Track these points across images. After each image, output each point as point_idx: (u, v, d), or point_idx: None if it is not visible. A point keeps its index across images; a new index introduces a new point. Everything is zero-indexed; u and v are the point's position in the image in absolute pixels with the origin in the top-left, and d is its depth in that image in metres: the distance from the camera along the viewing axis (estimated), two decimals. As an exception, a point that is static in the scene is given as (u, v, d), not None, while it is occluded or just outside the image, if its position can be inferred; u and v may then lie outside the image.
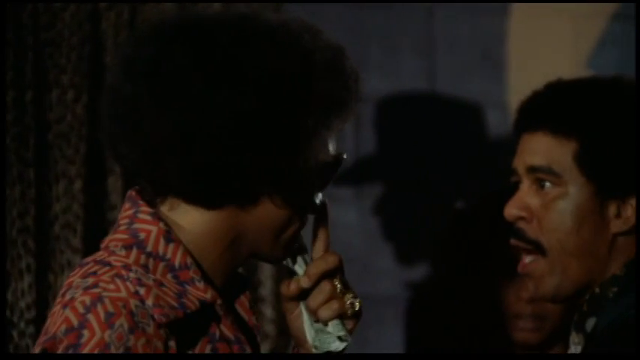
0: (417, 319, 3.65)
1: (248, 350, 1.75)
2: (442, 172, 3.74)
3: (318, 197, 1.79)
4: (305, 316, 1.83)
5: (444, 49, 3.78)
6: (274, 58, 1.69)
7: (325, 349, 1.83)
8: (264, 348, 3.31)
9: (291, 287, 1.81)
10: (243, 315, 1.81)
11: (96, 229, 3.32)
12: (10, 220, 3.20)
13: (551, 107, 1.94)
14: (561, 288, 1.91)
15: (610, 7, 3.99)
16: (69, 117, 3.27)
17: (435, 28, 3.78)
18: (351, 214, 3.63)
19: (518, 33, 3.87)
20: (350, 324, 1.85)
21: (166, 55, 1.69)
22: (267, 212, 1.73)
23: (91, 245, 3.28)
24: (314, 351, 1.83)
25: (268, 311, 3.37)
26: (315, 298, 1.80)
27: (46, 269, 3.26)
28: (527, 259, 1.92)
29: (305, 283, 1.80)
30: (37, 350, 1.64)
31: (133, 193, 1.75)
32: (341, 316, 1.83)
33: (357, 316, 1.85)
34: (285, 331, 3.13)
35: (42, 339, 1.64)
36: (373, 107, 3.68)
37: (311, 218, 1.82)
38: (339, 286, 1.82)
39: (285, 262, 1.82)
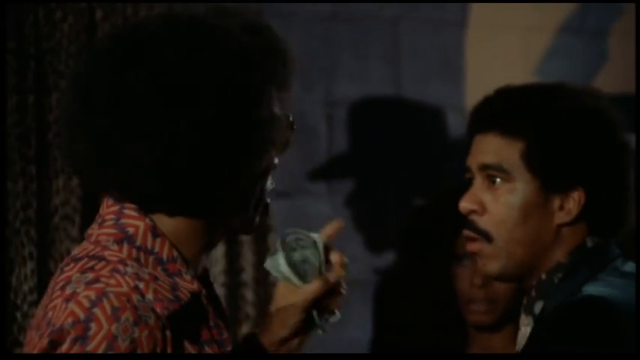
0: (383, 301, 3.65)
1: (225, 335, 1.73)
2: (406, 168, 3.74)
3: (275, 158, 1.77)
4: (315, 316, 1.80)
5: (408, 58, 3.78)
6: (217, 61, 1.65)
7: (324, 330, 1.82)
8: (246, 328, 3.30)
9: (332, 279, 1.78)
10: (215, 301, 1.79)
11: (92, 220, 3.28)
12: (14, 212, 3.18)
13: (500, 111, 1.93)
14: (506, 270, 1.90)
15: (557, 22, 4.00)
16: (68, 118, 3.26)
17: (401, 39, 3.78)
18: (324, 206, 3.63)
19: (475, 44, 3.87)
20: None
21: (122, 84, 1.64)
22: (237, 198, 1.72)
23: (88, 235, 3.30)
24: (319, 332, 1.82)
25: (249, 295, 3.37)
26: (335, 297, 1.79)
27: (46, 257, 3.24)
28: (476, 244, 1.92)
29: (333, 278, 1.78)
30: (43, 340, 1.59)
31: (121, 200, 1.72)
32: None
33: None
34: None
35: (46, 330, 1.60)
36: (344, 110, 3.68)
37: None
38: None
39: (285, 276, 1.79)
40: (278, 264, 1.77)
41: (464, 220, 1.95)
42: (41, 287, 3.21)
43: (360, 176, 3.69)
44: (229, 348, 1.72)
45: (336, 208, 3.65)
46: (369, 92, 3.72)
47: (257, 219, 1.75)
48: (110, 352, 1.56)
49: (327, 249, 1.81)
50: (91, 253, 1.66)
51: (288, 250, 1.78)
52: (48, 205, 3.23)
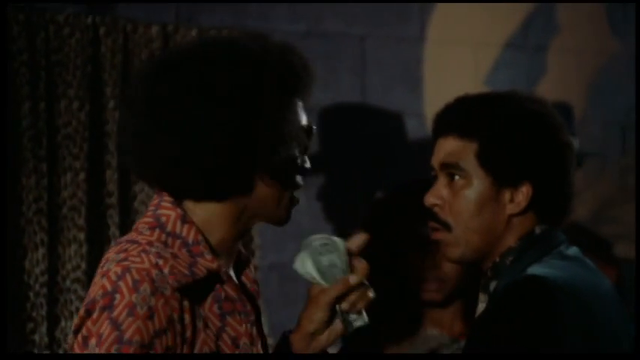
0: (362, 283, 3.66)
1: (248, 307, 1.74)
2: (371, 166, 3.74)
3: (306, 162, 1.77)
4: (339, 313, 1.78)
5: (373, 70, 3.78)
6: (233, 71, 1.67)
7: (353, 329, 1.79)
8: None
9: (352, 281, 1.75)
10: (247, 283, 1.80)
11: (96, 211, 3.30)
12: (27, 204, 3.17)
13: (457, 116, 1.92)
14: (465, 255, 1.91)
15: (503, 38, 4.01)
16: (74, 122, 3.24)
17: (366, 53, 3.78)
18: (301, 199, 3.62)
19: (432, 58, 3.88)
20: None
21: (152, 91, 1.68)
22: (263, 191, 1.71)
23: (92, 224, 3.27)
24: (346, 331, 1.79)
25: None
26: (359, 295, 1.77)
27: (56, 243, 3.23)
28: (439, 233, 1.93)
29: (354, 280, 1.76)
30: (82, 309, 1.63)
31: (163, 192, 1.73)
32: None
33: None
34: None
35: (85, 301, 1.64)
36: (317, 115, 3.68)
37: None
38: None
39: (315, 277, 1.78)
40: (306, 267, 1.76)
41: (427, 212, 1.96)
42: (51, 269, 3.21)
43: (331, 172, 3.70)
44: (252, 318, 1.74)
45: (310, 199, 3.65)
46: (338, 100, 3.72)
47: (286, 211, 1.76)
48: (130, 318, 1.58)
49: (351, 255, 1.80)
50: (129, 238, 1.69)
51: (316, 254, 1.77)
52: (57, 198, 3.22)
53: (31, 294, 3.15)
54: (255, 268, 3.50)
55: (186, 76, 1.68)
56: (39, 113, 3.18)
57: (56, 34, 3.22)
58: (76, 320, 1.63)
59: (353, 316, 1.77)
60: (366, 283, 1.79)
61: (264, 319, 3.43)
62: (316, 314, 1.77)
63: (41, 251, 3.17)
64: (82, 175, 3.23)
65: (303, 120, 1.76)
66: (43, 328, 3.17)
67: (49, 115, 3.21)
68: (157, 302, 1.59)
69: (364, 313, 1.78)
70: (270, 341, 3.50)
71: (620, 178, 4.25)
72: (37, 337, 3.15)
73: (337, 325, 1.79)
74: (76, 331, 1.63)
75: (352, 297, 1.77)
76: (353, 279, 1.76)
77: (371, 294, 1.78)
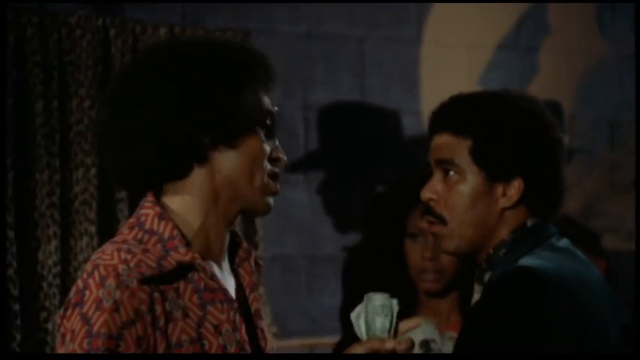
0: (352, 274, 3.67)
1: (230, 295, 1.73)
2: (369, 162, 3.74)
3: (266, 146, 1.75)
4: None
5: (372, 70, 3.78)
6: (197, 62, 1.71)
7: None
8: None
9: (387, 345, 1.75)
10: (243, 274, 1.80)
11: (106, 205, 3.30)
12: (40, 198, 3.18)
13: (452, 114, 1.92)
14: (459, 247, 1.91)
15: (496, 40, 4.01)
16: (86, 120, 3.24)
17: (365, 54, 3.78)
18: (302, 194, 3.62)
19: (428, 58, 3.88)
20: None
21: (128, 83, 1.73)
22: (229, 165, 1.71)
23: (103, 217, 3.28)
24: None
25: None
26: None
27: (68, 235, 3.23)
28: (435, 227, 1.93)
29: (390, 345, 1.76)
30: (61, 310, 1.66)
31: (149, 194, 1.75)
32: None
33: None
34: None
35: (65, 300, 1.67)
36: (318, 113, 3.68)
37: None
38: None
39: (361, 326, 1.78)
40: (360, 323, 1.78)
41: (423, 207, 1.96)
42: (63, 261, 3.21)
43: (331, 168, 3.69)
44: (236, 305, 1.73)
45: (311, 195, 3.65)
46: (338, 99, 3.72)
47: (262, 195, 1.74)
48: (98, 312, 1.60)
49: (401, 317, 1.80)
50: (112, 239, 1.72)
51: (373, 314, 1.77)
52: (69, 193, 3.22)
53: (45, 284, 3.16)
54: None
55: (150, 64, 1.72)
56: (52, 111, 3.19)
57: (68, 35, 3.22)
58: (57, 320, 1.66)
59: None
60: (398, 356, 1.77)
61: (267, 308, 3.47)
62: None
63: (54, 243, 3.18)
64: (93, 171, 3.24)
65: (265, 104, 1.74)
66: (56, 317, 3.17)
67: (61, 113, 3.21)
68: (122, 295, 1.61)
69: None
70: (274, 329, 3.54)
71: (608, 173, 4.26)
72: (49, 326, 3.16)
73: None
74: (58, 330, 1.65)
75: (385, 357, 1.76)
76: (390, 343, 1.75)
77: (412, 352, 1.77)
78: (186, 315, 1.66)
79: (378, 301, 1.78)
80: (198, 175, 1.71)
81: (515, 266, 1.81)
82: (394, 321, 1.78)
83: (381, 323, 1.77)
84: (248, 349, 1.73)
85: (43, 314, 3.16)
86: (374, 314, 1.78)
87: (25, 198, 3.17)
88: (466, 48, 3.93)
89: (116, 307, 1.61)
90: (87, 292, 1.62)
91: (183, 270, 1.68)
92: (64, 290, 3.21)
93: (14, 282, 3.11)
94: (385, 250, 2.83)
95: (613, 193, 4.26)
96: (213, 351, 1.67)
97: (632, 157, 4.27)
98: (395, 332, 1.78)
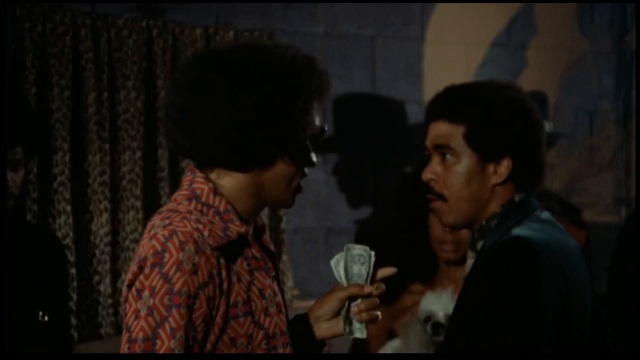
0: (366, 244, 3.67)
1: (269, 264, 1.74)
2: (379, 146, 3.74)
3: (313, 157, 1.73)
4: (345, 311, 1.77)
5: (382, 65, 3.77)
6: (270, 65, 1.66)
7: (351, 335, 1.77)
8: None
9: (365, 290, 1.75)
10: (266, 244, 1.80)
11: (150, 183, 3.31)
12: (93, 177, 3.19)
13: (446, 103, 1.91)
14: (457, 220, 1.90)
15: (490, 39, 4.00)
16: (132, 109, 3.25)
17: (376, 51, 3.77)
18: (320, 174, 3.63)
19: (430, 55, 3.87)
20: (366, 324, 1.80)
21: (200, 75, 1.67)
22: (280, 170, 1.70)
23: (147, 194, 3.29)
24: (344, 332, 1.77)
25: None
26: (367, 304, 1.77)
27: (117, 210, 3.24)
28: (436, 203, 1.93)
29: (368, 290, 1.76)
30: (134, 266, 1.61)
31: (191, 166, 1.72)
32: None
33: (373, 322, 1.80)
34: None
35: (136, 259, 1.62)
36: (334, 104, 3.68)
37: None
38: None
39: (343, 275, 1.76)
40: (339, 268, 1.77)
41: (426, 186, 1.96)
42: (113, 231, 3.23)
43: (345, 151, 3.69)
44: (273, 273, 1.74)
45: (328, 174, 3.65)
46: (352, 90, 3.71)
47: (292, 194, 1.73)
48: (179, 273, 1.58)
49: (377, 267, 1.78)
50: (169, 208, 1.68)
51: (351, 261, 1.76)
52: (118, 172, 3.23)
53: (97, 252, 3.18)
54: (282, 231, 3.51)
55: (229, 64, 1.66)
56: (103, 102, 3.20)
57: (116, 35, 3.22)
58: (129, 275, 1.61)
59: (355, 325, 1.76)
60: (377, 301, 1.76)
61: (290, 274, 3.47)
62: (327, 303, 1.78)
63: (105, 216, 3.19)
64: (138, 154, 3.25)
65: (318, 121, 1.72)
66: (107, 280, 3.20)
67: (111, 104, 3.22)
68: (200, 259, 1.59)
69: (364, 329, 1.76)
70: (296, 292, 3.54)
71: (588, 155, 4.25)
72: (102, 287, 3.18)
73: (339, 324, 1.78)
74: (130, 285, 1.61)
75: (362, 305, 1.76)
76: (368, 289, 1.75)
77: (378, 314, 1.77)
78: (239, 279, 1.66)
79: (356, 250, 1.77)
80: (254, 171, 1.69)
81: (510, 236, 1.80)
82: (370, 270, 1.76)
83: (357, 270, 1.76)
84: (284, 311, 1.73)
85: (96, 277, 3.18)
86: (352, 262, 1.76)
87: (79, 177, 3.18)
88: (464, 46, 3.92)
89: (195, 270, 1.58)
90: (167, 255, 1.58)
91: (239, 240, 1.67)
92: (114, 257, 3.23)
93: (71, 250, 3.12)
94: (410, 222, 2.82)
95: (592, 172, 4.25)
96: (257, 311, 1.67)
97: (608, 142, 4.26)
98: (372, 280, 1.76)
